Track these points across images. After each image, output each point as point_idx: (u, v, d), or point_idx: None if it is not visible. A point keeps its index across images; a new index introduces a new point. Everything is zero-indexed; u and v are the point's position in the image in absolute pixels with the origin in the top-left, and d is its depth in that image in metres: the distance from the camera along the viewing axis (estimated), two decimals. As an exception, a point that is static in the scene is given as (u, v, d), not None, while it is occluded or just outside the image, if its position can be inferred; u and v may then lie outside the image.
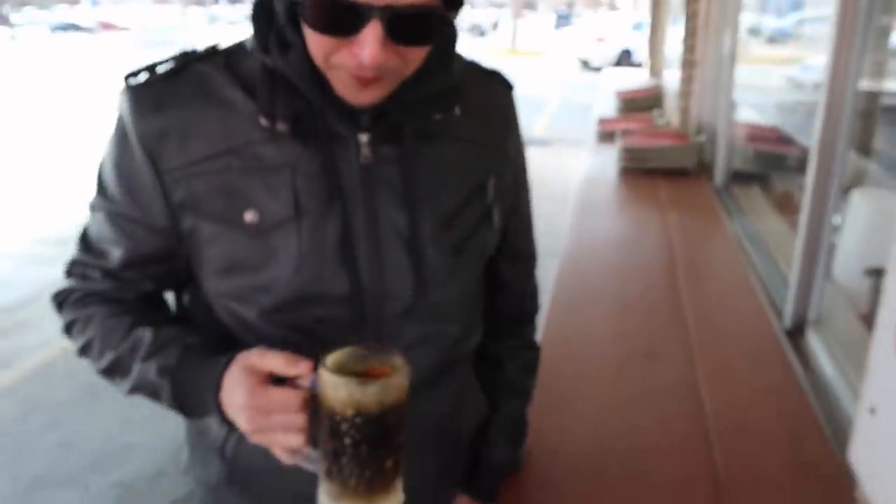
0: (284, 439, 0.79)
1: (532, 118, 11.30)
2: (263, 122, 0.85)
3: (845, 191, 1.96)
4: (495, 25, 40.02)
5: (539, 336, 1.28)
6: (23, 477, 3.02)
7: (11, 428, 3.38)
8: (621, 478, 1.38)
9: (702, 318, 2.06)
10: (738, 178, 3.64)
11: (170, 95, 0.87)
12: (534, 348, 1.24)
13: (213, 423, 1.00)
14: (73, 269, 1.00)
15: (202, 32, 29.10)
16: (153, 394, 0.92)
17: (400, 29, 0.75)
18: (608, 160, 4.20)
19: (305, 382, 0.78)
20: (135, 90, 0.87)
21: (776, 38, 4.31)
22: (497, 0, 65.82)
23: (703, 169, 3.96)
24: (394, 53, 0.77)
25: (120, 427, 3.36)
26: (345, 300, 0.88)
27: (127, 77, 0.89)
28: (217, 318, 0.95)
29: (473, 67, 1.02)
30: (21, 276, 5.24)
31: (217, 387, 0.84)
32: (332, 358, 0.74)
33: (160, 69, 0.89)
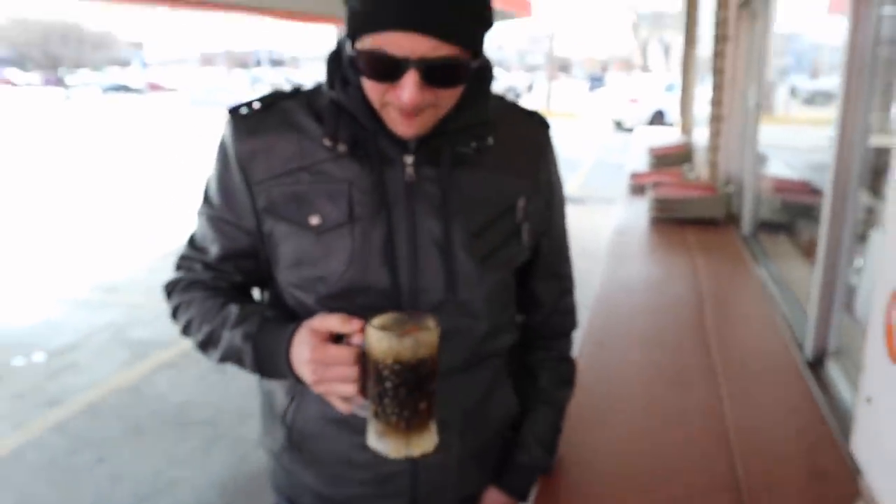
0: (340, 388, 0.96)
1: (566, 177, 11.39)
2: (328, 143, 1.04)
3: (863, 235, 2.06)
4: (530, 88, 40.74)
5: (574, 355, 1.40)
6: (74, 508, 3.15)
7: (62, 462, 3.51)
8: (649, 487, 1.47)
9: (727, 351, 2.15)
10: (766, 227, 3.72)
11: (261, 124, 1.08)
12: (568, 361, 1.36)
13: (278, 394, 1.20)
14: (181, 263, 1.21)
15: (245, 93, 30.09)
16: (238, 359, 1.10)
17: (432, 76, 0.93)
18: (640, 211, 4.32)
19: (357, 341, 0.94)
20: (235, 120, 1.09)
21: (815, 100, 4.42)
22: (532, 63, 67.01)
23: (732, 219, 4.05)
24: (429, 94, 0.95)
25: (166, 462, 3.48)
26: (385, 293, 1.06)
27: (230, 110, 1.10)
28: (285, 303, 1.14)
29: (513, 107, 1.20)
30: (72, 320, 5.46)
31: (288, 347, 1.02)
32: (377, 319, 0.91)
33: (255, 105, 1.10)
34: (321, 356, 0.96)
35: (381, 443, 0.94)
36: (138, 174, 12.76)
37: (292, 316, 1.12)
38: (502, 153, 1.12)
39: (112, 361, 4.68)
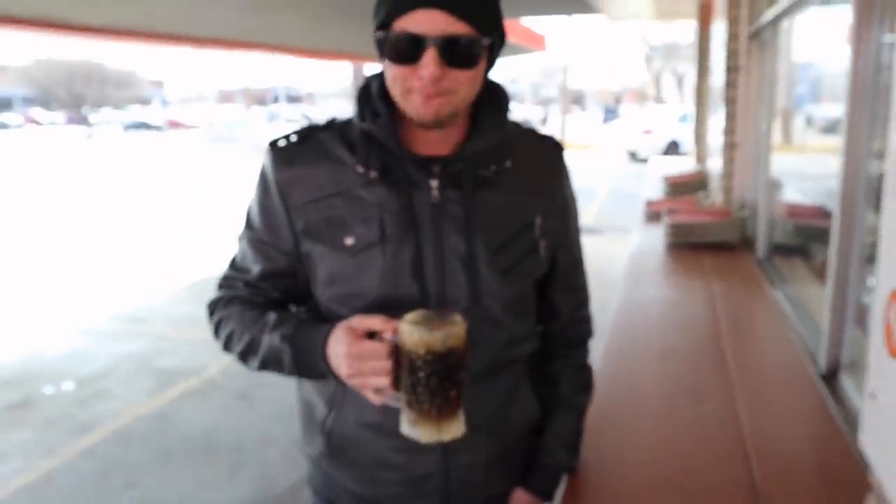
0: (374, 380, 1.03)
1: (582, 207, 11.46)
2: (360, 170, 1.15)
3: (873, 255, 2.12)
4: (544, 120, 40.98)
5: (594, 376, 1.48)
6: (106, 529, 3.22)
7: (93, 487, 3.59)
8: (669, 487, 1.54)
9: (742, 365, 2.21)
10: (781, 250, 3.77)
11: (298, 154, 1.20)
12: (586, 368, 1.45)
13: (318, 404, 1.28)
14: (222, 283, 1.31)
15: (263, 129, 30.51)
16: (277, 361, 1.18)
17: (450, 53, 1.04)
18: (656, 237, 4.40)
19: (389, 337, 1.02)
20: (274, 150, 1.21)
21: (830, 129, 4.47)
22: (546, 96, 67.42)
23: (747, 243, 4.12)
24: (447, 75, 1.05)
25: (193, 487, 3.55)
26: (415, 305, 1.14)
27: (270, 143, 1.22)
28: (323, 317, 1.23)
29: (529, 131, 1.31)
30: (100, 349, 5.57)
31: (324, 344, 1.11)
32: (409, 316, 1.00)
33: (292, 137, 1.21)
34: (357, 351, 1.04)
35: (414, 430, 1.01)
36: (159, 208, 12.98)
37: (320, 316, 1.23)
38: (520, 175, 1.22)
39: (139, 389, 4.78)
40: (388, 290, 1.14)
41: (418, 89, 1.06)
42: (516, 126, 1.28)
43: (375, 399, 1.06)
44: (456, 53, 1.04)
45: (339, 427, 1.25)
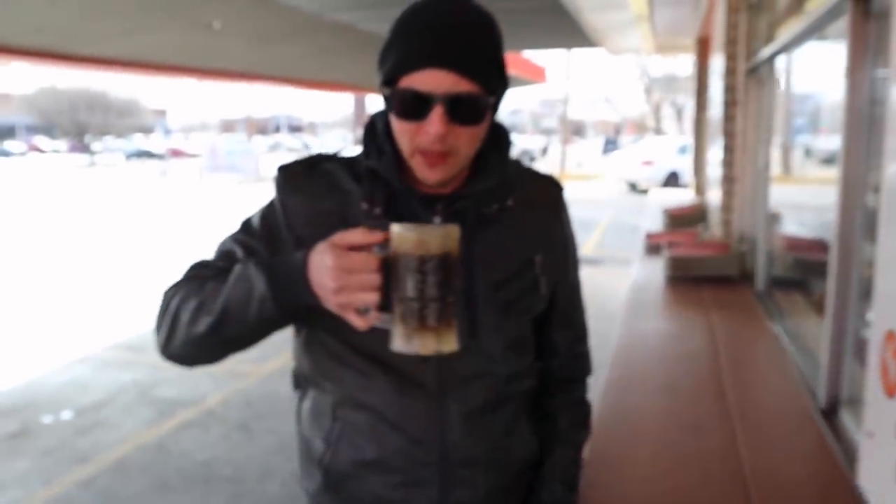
0: (363, 296, 0.98)
1: (582, 238, 11.59)
2: (364, 205, 1.17)
3: (869, 290, 2.14)
4: (545, 151, 41.21)
5: (595, 411, 1.49)
6: (103, 561, 3.19)
7: (90, 517, 3.57)
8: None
9: (742, 400, 2.22)
10: (780, 283, 3.79)
11: (307, 181, 1.21)
12: (584, 404, 1.45)
13: (315, 441, 1.27)
14: (191, 268, 1.22)
15: (264, 159, 30.63)
16: (243, 299, 1.08)
17: (456, 110, 1.06)
18: (656, 270, 4.42)
19: (377, 251, 0.98)
20: (283, 174, 1.22)
21: (831, 160, 4.51)
22: (546, 126, 67.87)
23: (746, 276, 4.14)
24: (453, 132, 1.07)
25: (192, 516, 3.54)
26: None
27: (280, 167, 1.24)
28: (310, 341, 1.24)
29: (530, 171, 1.34)
30: (99, 379, 5.56)
31: (305, 264, 1.04)
32: (396, 224, 0.96)
33: (301, 163, 1.23)
34: (346, 262, 0.98)
35: (411, 343, 0.96)
36: (158, 237, 13.01)
37: (320, 357, 1.23)
38: (521, 213, 1.24)
39: (138, 419, 4.76)
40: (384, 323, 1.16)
41: (425, 148, 1.08)
42: (517, 165, 1.31)
43: (360, 323, 1.00)
44: (462, 111, 1.06)
45: (336, 464, 1.25)
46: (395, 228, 0.96)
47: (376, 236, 0.99)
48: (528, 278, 1.24)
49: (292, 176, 1.21)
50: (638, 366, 2.56)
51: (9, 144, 51.18)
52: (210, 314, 1.10)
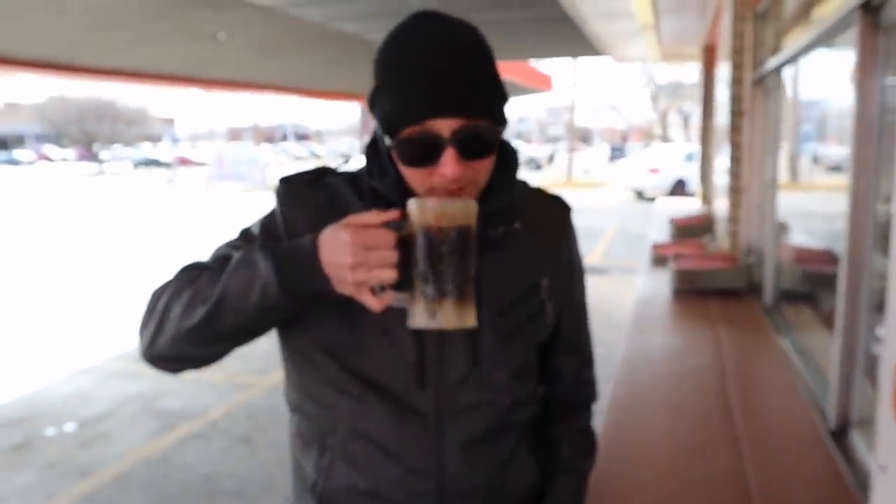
0: (381, 273, 0.94)
1: (588, 247, 11.53)
2: None
3: (881, 305, 2.10)
4: (551, 159, 41.19)
5: (598, 430, 1.45)
6: (103, 577, 3.16)
7: (90, 533, 3.54)
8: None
9: (750, 421, 2.17)
10: (788, 297, 3.74)
11: (309, 194, 1.16)
12: (589, 432, 1.41)
13: (307, 467, 1.22)
14: (186, 267, 1.15)
15: (272, 167, 30.67)
16: (247, 281, 1.01)
17: (468, 148, 1.02)
18: (662, 282, 4.37)
19: (394, 225, 0.95)
20: (286, 186, 1.18)
21: (838, 167, 4.47)
22: (552, 134, 67.87)
23: (753, 289, 4.09)
24: (468, 168, 1.04)
25: (193, 532, 3.50)
26: (412, 365, 1.11)
27: (282, 179, 1.19)
28: (305, 363, 1.18)
29: (537, 192, 1.29)
30: (103, 390, 5.54)
31: (315, 245, 0.98)
32: (414, 199, 0.95)
33: (305, 176, 1.19)
34: (363, 238, 0.94)
35: (434, 318, 0.94)
36: (163, 246, 13.02)
37: (306, 375, 1.18)
38: (528, 236, 1.20)
39: (141, 432, 4.73)
40: (384, 348, 1.11)
41: (442, 187, 1.04)
42: (524, 186, 1.26)
43: (375, 304, 0.96)
44: (474, 146, 1.03)
45: (329, 492, 1.20)
46: (414, 203, 0.94)
47: (392, 213, 0.97)
48: (533, 303, 1.20)
49: (294, 188, 1.17)
50: (643, 383, 2.52)
51: (18, 153, 51.47)
52: (205, 303, 1.03)
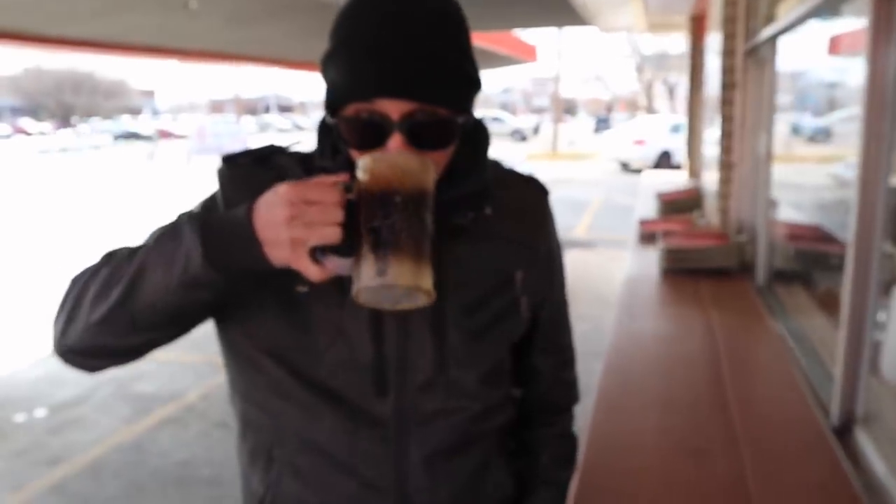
0: (322, 231, 0.80)
1: (574, 220, 11.43)
2: None
3: (888, 288, 1.98)
4: (536, 130, 41.01)
5: (584, 431, 1.32)
6: (71, 574, 3.05)
7: (60, 525, 3.42)
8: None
9: (748, 417, 2.06)
10: (781, 276, 3.65)
11: (253, 178, 0.99)
12: (570, 438, 1.28)
13: (254, 482, 1.08)
14: (110, 252, 1.00)
15: (254, 140, 30.29)
16: (168, 254, 0.88)
17: (418, 137, 0.89)
18: (650, 261, 4.26)
19: (341, 183, 0.83)
20: (227, 167, 1.03)
21: (817, 138, 4.38)
22: (537, 105, 67.71)
23: (745, 268, 3.98)
24: None
25: (166, 525, 3.39)
26: (369, 368, 0.98)
27: (224, 158, 1.04)
28: (240, 369, 1.05)
29: (510, 173, 1.14)
30: (73, 374, 5.33)
31: (249, 211, 0.85)
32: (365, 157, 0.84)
33: (250, 156, 1.03)
34: (303, 191, 0.81)
35: (385, 276, 0.79)
36: (140, 223, 12.81)
37: (250, 381, 1.04)
38: (500, 223, 1.06)
39: (114, 417, 4.60)
40: (340, 349, 0.97)
41: None
42: (496, 167, 1.11)
43: (315, 272, 0.83)
44: (426, 136, 0.90)
45: None
46: (369, 158, 0.83)
47: (340, 176, 0.84)
48: (506, 299, 1.06)
49: (239, 170, 1.02)
50: (632, 374, 2.39)
51: (-6, 127, 50.69)
52: (120, 282, 0.90)
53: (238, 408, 1.11)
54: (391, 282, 0.79)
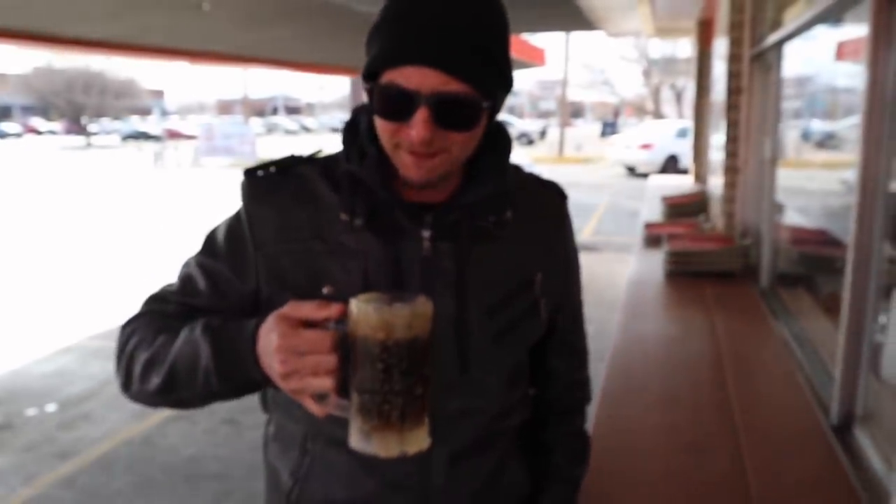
0: (315, 382, 0.84)
1: (580, 223, 11.45)
2: (344, 216, 1.01)
3: (888, 291, 2.01)
4: (543, 134, 40.99)
5: (589, 427, 1.36)
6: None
7: (70, 517, 3.46)
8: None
9: (749, 416, 2.09)
10: (785, 279, 3.67)
11: (276, 188, 1.05)
12: (583, 437, 1.31)
13: (282, 473, 1.13)
14: (151, 300, 1.13)
15: (261, 141, 30.33)
16: (189, 367, 0.97)
17: (443, 114, 0.91)
18: (655, 264, 4.29)
19: (334, 326, 0.83)
20: (250, 180, 1.07)
21: (825, 143, 4.40)
22: (544, 109, 67.60)
23: (749, 271, 4.00)
24: (440, 136, 0.93)
25: (175, 518, 3.43)
26: None
27: (246, 171, 1.08)
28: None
29: (530, 177, 1.18)
30: (85, 369, 5.44)
31: (254, 335, 0.92)
32: (361, 297, 0.82)
33: (272, 168, 1.07)
34: (292, 342, 0.84)
35: (369, 442, 0.82)
36: (149, 222, 12.86)
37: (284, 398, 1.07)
38: (520, 227, 1.09)
39: (124, 412, 4.64)
40: None
41: (408, 147, 0.94)
42: (517, 171, 1.15)
43: (317, 409, 0.86)
44: (451, 114, 0.92)
45: (304, 499, 1.11)
46: (354, 305, 0.81)
47: (332, 310, 0.84)
48: (527, 301, 1.10)
49: (260, 183, 1.06)
50: (636, 378, 2.42)
51: (5, 126, 50.82)
52: (159, 374, 1.00)
53: (274, 396, 1.14)
54: (374, 451, 0.82)
